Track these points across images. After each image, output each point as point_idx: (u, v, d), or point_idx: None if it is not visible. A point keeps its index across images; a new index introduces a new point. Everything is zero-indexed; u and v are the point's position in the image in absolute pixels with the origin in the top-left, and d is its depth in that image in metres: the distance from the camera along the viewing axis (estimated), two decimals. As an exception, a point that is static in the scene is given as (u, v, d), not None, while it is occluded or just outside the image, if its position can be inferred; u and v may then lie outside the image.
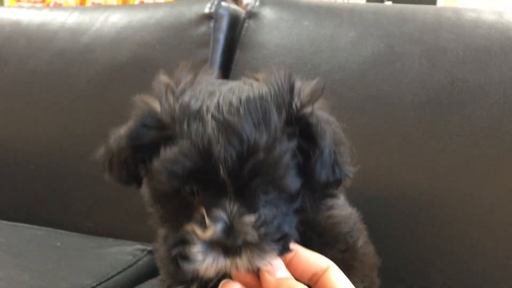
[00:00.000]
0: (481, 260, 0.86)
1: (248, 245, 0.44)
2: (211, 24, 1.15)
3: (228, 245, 0.44)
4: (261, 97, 0.47)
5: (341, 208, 0.58)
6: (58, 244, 1.03)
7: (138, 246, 1.04)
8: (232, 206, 0.44)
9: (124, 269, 0.96)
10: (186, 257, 0.45)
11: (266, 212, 0.46)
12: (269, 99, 0.47)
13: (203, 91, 0.49)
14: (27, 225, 1.16)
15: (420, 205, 0.88)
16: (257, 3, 1.14)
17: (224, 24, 1.17)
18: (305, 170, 0.48)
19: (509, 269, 0.84)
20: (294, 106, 0.48)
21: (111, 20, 1.23)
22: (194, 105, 0.47)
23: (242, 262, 0.44)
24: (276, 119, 0.46)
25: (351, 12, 1.07)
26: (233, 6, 1.20)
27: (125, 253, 1.02)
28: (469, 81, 0.92)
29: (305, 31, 1.07)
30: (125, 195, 1.14)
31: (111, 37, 1.22)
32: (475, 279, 0.86)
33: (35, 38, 1.30)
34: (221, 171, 0.43)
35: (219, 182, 0.44)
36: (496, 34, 0.95)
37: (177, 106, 0.47)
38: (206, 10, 1.16)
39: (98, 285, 0.89)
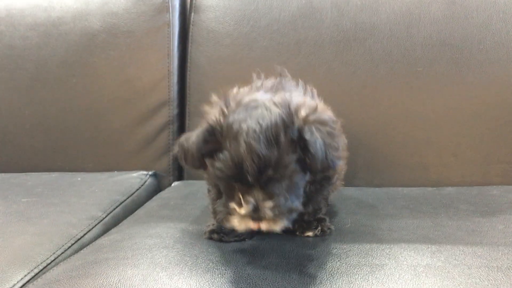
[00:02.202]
0: (402, 153, 1.31)
1: (268, 217, 0.74)
2: (168, -7, 1.44)
3: (255, 217, 0.74)
4: (274, 124, 0.71)
5: None
6: (79, 179, 1.31)
7: (141, 172, 1.37)
8: (258, 195, 0.73)
9: (140, 187, 1.28)
10: (228, 221, 0.77)
11: (281, 197, 0.73)
12: (279, 124, 0.72)
13: (240, 115, 0.74)
14: (36, 173, 1.41)
15: (347, 114, 1.28)
16: (202, -26, 1.45)
17: (177, -8, 1.46)
18: (307, 166, 0.74)
19: (415, 156, 1.30)
20: (295, 127, 0.73)
21: (78, -6, 1.47)
22: (235, 127, 0.72)
23: (263, 226, 0.74)
24: (283, 140, 0.71)
25: (278, -23, 1.42)
26: (182, -23, 1.49)
27: (133, 177, 1.33)
28: (367, 23, 1.33)
29: (245, -7, 1.41)
30: (119, 139, 1.44)
31: (81, 9, 1.46)
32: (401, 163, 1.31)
33: (4, 16, 1.50)
34: (249, 177, 0.72)
35: (249, 182, 0.73)
36: (380, -12, 1.35)
37: (224, 127, 0.73)
38: (162, -18, 1.44)
39: (126, 199, 1.21)
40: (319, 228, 0.91)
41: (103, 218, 1.09)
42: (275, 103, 0.75)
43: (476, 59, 1.26)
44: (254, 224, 0.75)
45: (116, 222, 1.09)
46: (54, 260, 0.90)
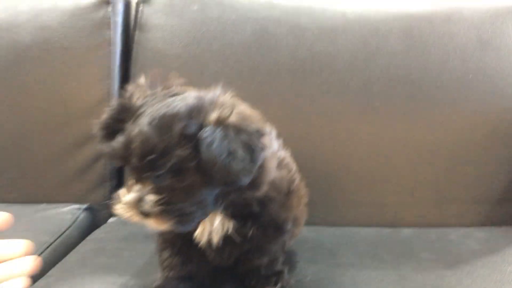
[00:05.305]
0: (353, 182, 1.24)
1: (152, 213, 0.66)
2: (109, 9, 1.31)
3: (140, 210, 0.66)
4: (176, 113, 0.65)
5: (275, 156, 0.78)
6: None
7: (74, 205, 1.22)
8: (145, 186, 0.66)
9: (71, 225, 1.14)
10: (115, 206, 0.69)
11: (173, 196, 0.65)
12: (182, 114, 0.65)
13: (156, 99, 0.68)
14: None
15: (302, 148, 1.21)
16: (148, -9, 1.33)
17: (120, 8, 1.33)
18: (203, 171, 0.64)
19: (371, 193, 1.24)
20: (197, 122, 0.65)
21: (8, 4, 1.30)
22: (143, 109, 0.67)
23: (149, 222, 0.66)
24: (177, 133, 0.63)
25: (231, -2, 1.33)
26: (126, -9, 1.36)
27: (64, 213, 1.18)
28: (324, 53, 1.26)
29: (195, 14, 1.30)
30: (49, 166, 1.29)
31: (10, 20, 1.30)
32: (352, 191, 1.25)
33: None
34: (135, 160, 0.65)
35: (137, 167, 0.66)
36: (337, 16, 1.30)
37: (136, 107, 0.68)
38: (103, -4, 1.31)
39: (55, 240, 1.06)
40: (279, 284, 0.82)
41: (27, 267, 0.93)
42: (196, 97, 0.68)
43: (433, 96, 1.23)
44: (140, 218, 0.67)
45: (42, 271, 0.94)
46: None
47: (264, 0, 1.33)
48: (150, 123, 0.64)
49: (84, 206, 1.23)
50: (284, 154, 0.87)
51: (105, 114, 0.71)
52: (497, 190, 1.20)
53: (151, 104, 0.67)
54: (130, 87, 0.73)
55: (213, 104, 0.67)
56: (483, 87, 1.22)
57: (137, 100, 0.69)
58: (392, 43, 1.26)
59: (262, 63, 1.27)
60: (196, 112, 0.65)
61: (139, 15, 1.32)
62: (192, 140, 0.64)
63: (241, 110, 0.69)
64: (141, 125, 0.64)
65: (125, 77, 1.32)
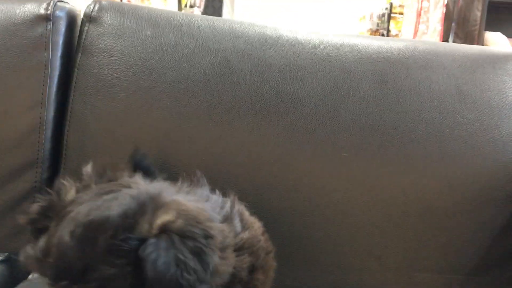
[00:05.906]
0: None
1: None
2: (48, 26, 1.14)
3: None
4: (103, 222, 0.54)
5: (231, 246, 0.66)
6: None
7: (-12, 257, 1.03)
8: None
9: (-18, 284, 0.95)
10: None
11: None
12: (111, 223, 0.54)
13: (87, 195, 0.59)
14: None
15: (261, 200, 1.08)
16: (96, 7, 1.17)
17: (62, 26, 1.16)
18: None
19: (333, 254, 1.11)
20: (136, 235, 0.55)
21: None
22: (67, 210, 0.57)
23: None
24: (103, 247, 0.53)
25: (189, 24, 1.18)
26: (70, 6, 1.19)
27: (-24, 267, 1.00)
28: (290, 94, 1.13)
29: (149, 40, 1.15)
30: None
31: None
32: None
33: None
34: (50, 279, 0.55)
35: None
36: (306, 53, 1.18)
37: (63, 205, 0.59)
38: (42, 11, 1.14)
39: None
40: None
41: None
42: (132, 195, 0.58)
43: (406, 151, 1.12)
44: None
45: None
46: None
47: (227, 29, 1.19)
48: (72, 233, 0.53)
49: (2, 256, 1.04)
50: (247, 234, 0.74)
51: (33, 208, 0.62)
52: (470, 260, 1.10)
53: (80, 203, 0.56)
54: (65, 180, 0.63)
55: (154, 206, 0.56)
56: (460, 144, 1.12)
57: (66, 195, 0.60)
58: (364, 88, 1.15)
59: (221, 100, 1.13)
60: (132, 217, 0.54)
61: (83, 36, 1.15)
62: (127, 255, 0.53)
63: (184, 210, 0.58)
64: (62, 234, 0.54)
65: (62, 105, 1.15)
